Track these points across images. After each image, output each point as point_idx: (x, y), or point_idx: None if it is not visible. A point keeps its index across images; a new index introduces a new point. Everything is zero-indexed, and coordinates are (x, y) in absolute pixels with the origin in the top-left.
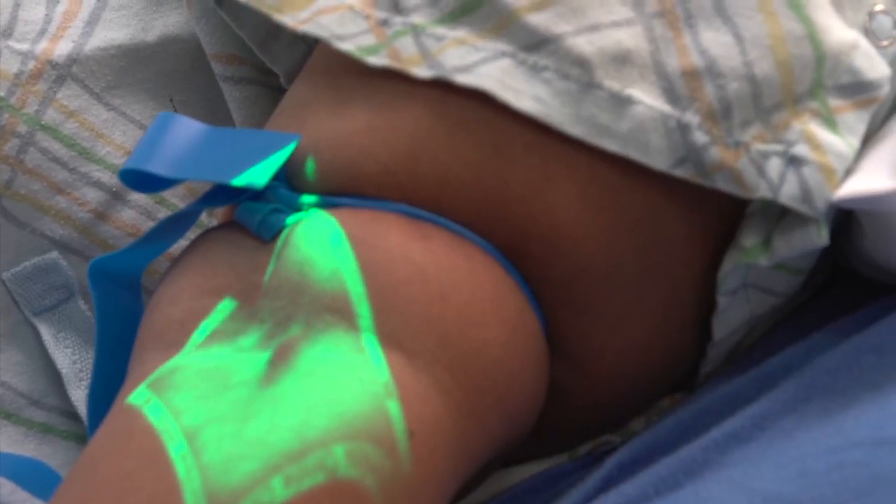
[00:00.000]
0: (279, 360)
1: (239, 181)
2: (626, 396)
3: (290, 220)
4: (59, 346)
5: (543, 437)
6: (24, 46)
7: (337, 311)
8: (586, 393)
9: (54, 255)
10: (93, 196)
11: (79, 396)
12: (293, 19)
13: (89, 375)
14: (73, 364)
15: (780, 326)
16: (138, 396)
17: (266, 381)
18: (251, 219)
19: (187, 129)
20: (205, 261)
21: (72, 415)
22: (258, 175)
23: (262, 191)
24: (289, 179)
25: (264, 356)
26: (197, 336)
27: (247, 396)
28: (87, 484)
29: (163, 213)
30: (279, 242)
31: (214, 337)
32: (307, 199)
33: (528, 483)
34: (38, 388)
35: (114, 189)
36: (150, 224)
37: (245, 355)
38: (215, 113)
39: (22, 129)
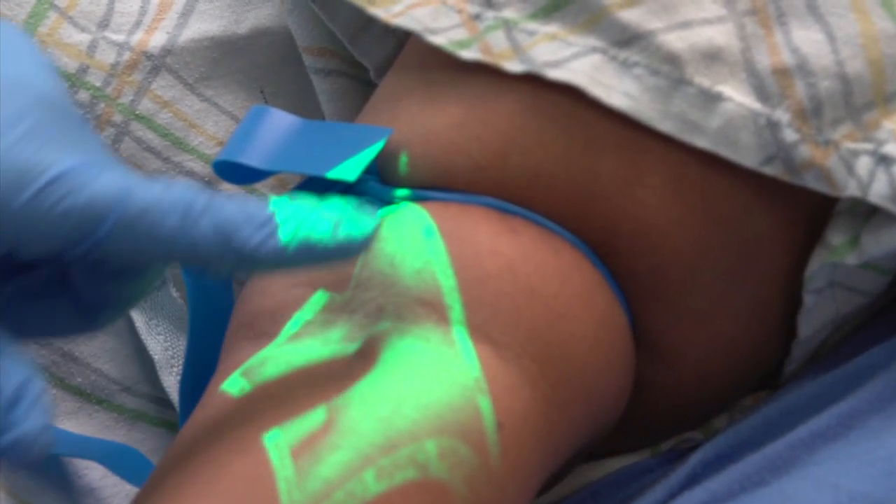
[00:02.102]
0: (367, 353)
1: (332, 174)
2: (711, 393)
3: (381, 213)
4: (152, 332)
5: (627, 432)
6: (120, 37)
7: (427, 304)
8: (671, 389)
9: None
10: None
11: (170, 383)
12: (386, 12)
13: (180, 362)
14: (165, 350)
15: (867, 325)
16: (232, 384)
17: (354, 374)
18: None
19: (280, 121)
20: None
21: (162, 401)
22: (350, 168)
23: (353, 184)
24: (380, 173)
25: (352, 348)
26: (289, 327)
27: (335, 389)
28: (180, 469)
29: None
30: None
31: (306, 329)
32: (400, 192)
33: (610, 478)
34: (130, 374)
35: (206, 179)
36: None
37: (334, 348)
38: (305, 105)
39: (117, 118)
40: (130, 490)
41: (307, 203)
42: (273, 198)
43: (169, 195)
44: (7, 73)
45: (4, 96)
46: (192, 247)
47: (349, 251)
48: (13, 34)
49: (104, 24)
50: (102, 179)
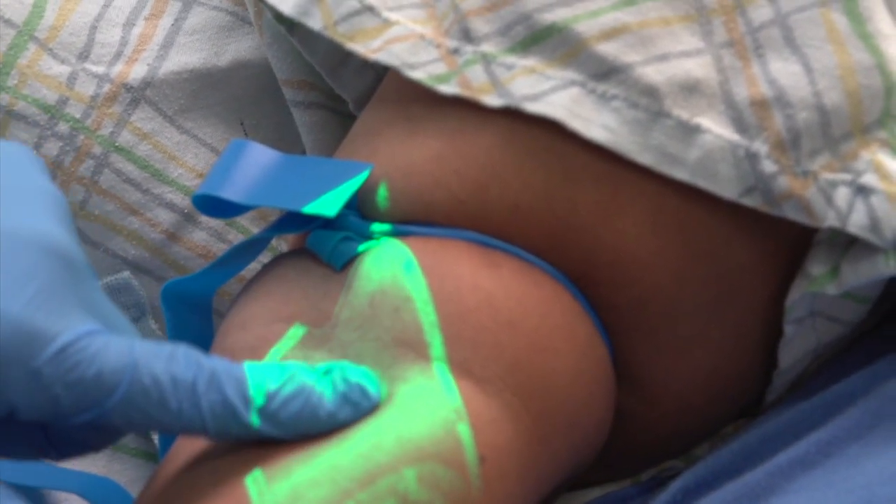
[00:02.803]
0: None
1: (310, 209)
2: (692, 423)
3: (361, 248)
4: None
5: (608, 462)
6: (100, 69)
7: (407, 344)
8: (652, 419)
9: (126, 274)
10: (165, 217)
11: None
12: (365, 48)
13: None
14: None
15: (846, 352)
16: None
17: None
18: (323, 247)
19: (260, 155)
20: (276, 287)
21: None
22: (330, 203)
23: (333, 219)
24: (360, 208)
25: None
26: (268, 361)
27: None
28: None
29: (233, 235)
30: (351, 271)
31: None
32: (379, 227)
33: None
34: None
35: (185, 210)
36: (221, 246)
37: None
38: (285, 137)
39: (97, 150)
40: None
41: (311, 376)
42: (280, 366)
43: (174, 369)
44: (13, 224)
45: (12, 252)
46: (198, 420)
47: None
48: (19, 158)
49: (84, 55)
50: (111, 351)
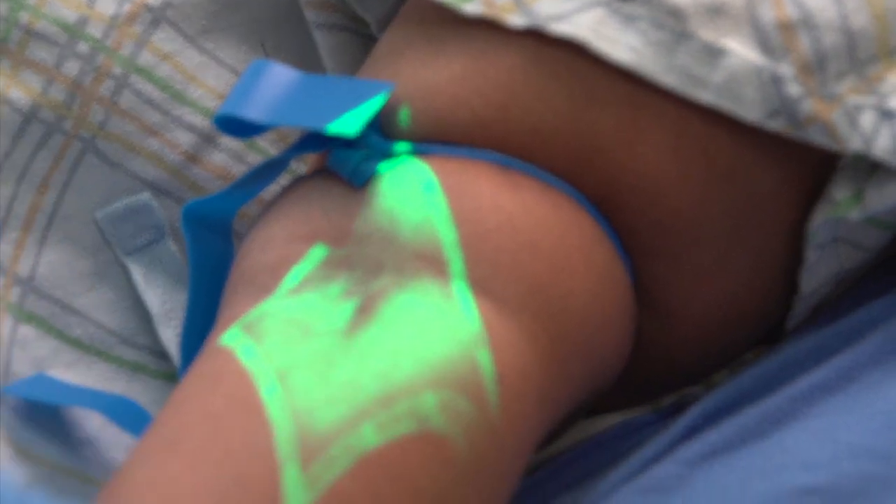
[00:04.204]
0: (366, 308)
1: (332, 128)
2: (712, 349)
3: (382, 167)
4: (149, 286)
5: (628, 388)
6: None
7: (426, 259)
8: (672, 344)
9: (146, 195)
10: (184, 138)
11: (168, 336)
12: None
13: (178, 316)
14: (163, 304)
15: (868, 279)
16: (230, 337)
17: (353, 329)
18: (343, 166)
19: (281, 75)
20: (297, 207)
21: (161, 354)
22: (352, 122)
23: (355, 138)
24: (381, 127)
25: (351, 304)
26: (288, 281)
27: (334, 344)
28: (178, 422)
29: (253, 157)
30: (371, 190)
31: (305, 284)
32: (400, 146)
33: (611, 431)
34: (129, 326)
35: (205, 132)
36: (241, 167)
37: (333, 303)
38: (306, 59)
39: (117, 70)
40: (130, 441)
41: None
42: None
43: None
44: None
45: None
46: None
47: None
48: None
49: None
50: None
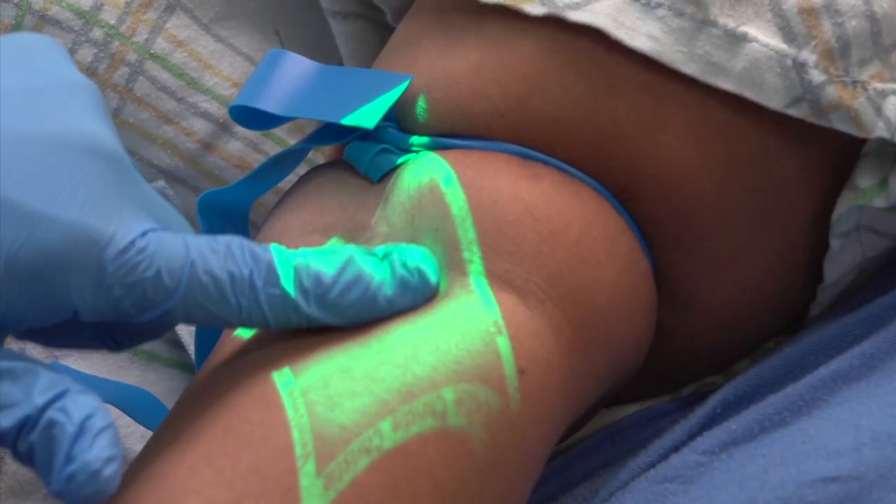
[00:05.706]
0: None
1: (349, 120)
2: (734, 338)
3: (400, 160)
4: None
5: (648, 378)
6: None
7: (446, 256)
8: (693, 334)
9: (161, 183)
10: (200, 126)
11: (183, 326)
12: None
13: None
14: None
15: (890, 266)
16: (246, 331)
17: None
18: (360, 159)
19: (298, 66)
20: (313, 199)
21: (175, 343)
22: (369, 115)
23: (371, 130)
24: (398, 120)
25: None
26: None
27: (353, 337)
28: (194, 416)
29: (268, 146)
30: (389, 184)
31: None
32: (418, 140)
33: (630, 419)
34: None
35: (220, 120)
36: (256, 156)
37: None
38: (321, 47)
39: (132, 57)
40: (145, 432)
41: (369, 261)
42: (337, 251)
43: (230, 266)
44: (57, 128)
45: (59, 157)
46: (258, 314)
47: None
48: (46, 51)
49: None
50: (167, 250)
